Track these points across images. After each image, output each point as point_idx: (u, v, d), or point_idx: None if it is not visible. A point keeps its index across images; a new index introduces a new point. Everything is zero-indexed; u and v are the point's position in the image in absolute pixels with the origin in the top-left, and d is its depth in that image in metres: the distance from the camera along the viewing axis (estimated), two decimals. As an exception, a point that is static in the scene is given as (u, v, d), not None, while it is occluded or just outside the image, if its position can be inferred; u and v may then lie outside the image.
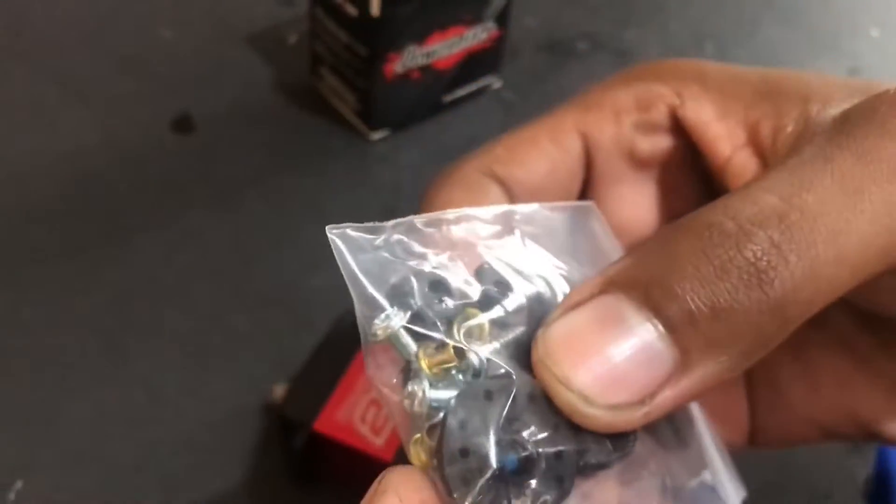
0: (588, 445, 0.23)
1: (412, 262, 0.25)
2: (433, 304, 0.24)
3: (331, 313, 0.55)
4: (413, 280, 0.24)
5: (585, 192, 0.36)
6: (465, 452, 0.22)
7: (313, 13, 0.66)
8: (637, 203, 0.36)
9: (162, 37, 0.74)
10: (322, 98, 0.70)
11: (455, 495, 0.22)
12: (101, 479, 0.50)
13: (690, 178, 0.35)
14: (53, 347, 0.54)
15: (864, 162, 0.24)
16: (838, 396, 0.34)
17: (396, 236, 0.25)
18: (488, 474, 0.22)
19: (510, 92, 0.72)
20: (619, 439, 0.23)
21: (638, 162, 0.36)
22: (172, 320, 0.56)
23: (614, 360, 0.22)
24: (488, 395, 0.23)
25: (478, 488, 0.22)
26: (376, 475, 0.47)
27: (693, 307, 0.22)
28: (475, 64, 0.69)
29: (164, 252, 0.60)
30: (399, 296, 0.24)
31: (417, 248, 0.25)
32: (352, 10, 0.62)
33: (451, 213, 0.26)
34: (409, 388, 0.23)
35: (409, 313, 0.24)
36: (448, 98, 0.70)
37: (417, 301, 0.24)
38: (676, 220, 0.25)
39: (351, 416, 0.47)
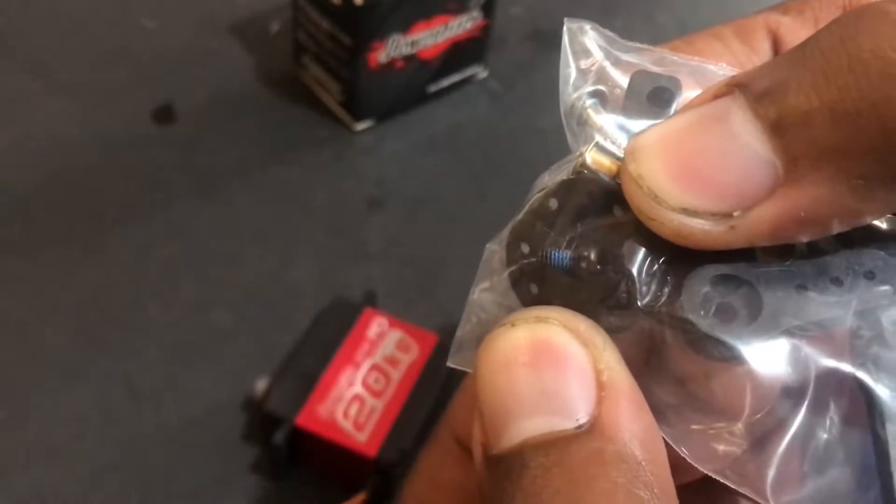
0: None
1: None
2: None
3: (313, 306, 0.55)
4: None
5: None
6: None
7: (296, 2, 0.65)
8: None
9: (144, 27, 0.73)
10: (306, 88, 0.69)
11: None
12: (79, 475, 0.49)
13: None
14: (31, 342, 0.54)
15: None
16: None
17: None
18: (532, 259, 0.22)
19: (496, 81, 0.71)
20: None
21: None
22: (153, 314, 0.56)
23: (705, 159, 0.19)
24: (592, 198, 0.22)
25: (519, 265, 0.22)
26: (358, 471, 0.47)
27: (809, 105, 0.18)
28: (460, 53, 0.68)
29: (145, 245, 0.59)
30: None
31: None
32: (335, -1, 0.61)
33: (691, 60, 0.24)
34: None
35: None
36: (433, 88, 0.69)
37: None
38: None
39: (333, 412, 0.46)
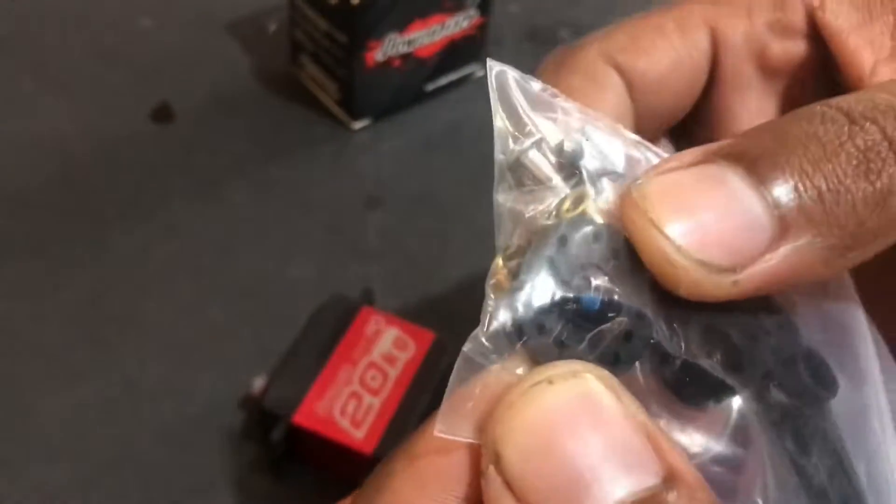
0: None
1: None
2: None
3: (311, 305, 0.55)
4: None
5: (707, 93, 0.32)
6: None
7: (293, 1, 0.65)
8: (762, 113, 0.33)
9: (142, 25, 0.73)
10: (303, 87, 0.69)
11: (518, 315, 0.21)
12: (79, 474, 0.49)
13: (822, 94, 0.29)
14: (30, 341, 0.54)
15: None
16: None
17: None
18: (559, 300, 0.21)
19: (493, 80, 0.71)
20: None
21: (768, 67, 0.33)
22: (151, 313, 0.56)
23: (713, 217, 0.21)
24: (596, 237, 0.22)
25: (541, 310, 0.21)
26: (356, 468, 0.47)
27: (798, 183, 0.21)
28: (457, 52, 0.68)
29: (143, 243, 0.59)
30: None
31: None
32: (332, -2, 0.61)
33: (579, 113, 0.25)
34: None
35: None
36: (430, 86, 0.69)
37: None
38: None
39: (331, 409, 0.47)
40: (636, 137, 0.25)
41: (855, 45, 0.30)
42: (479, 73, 0.71)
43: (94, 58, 0.70)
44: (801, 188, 0.21)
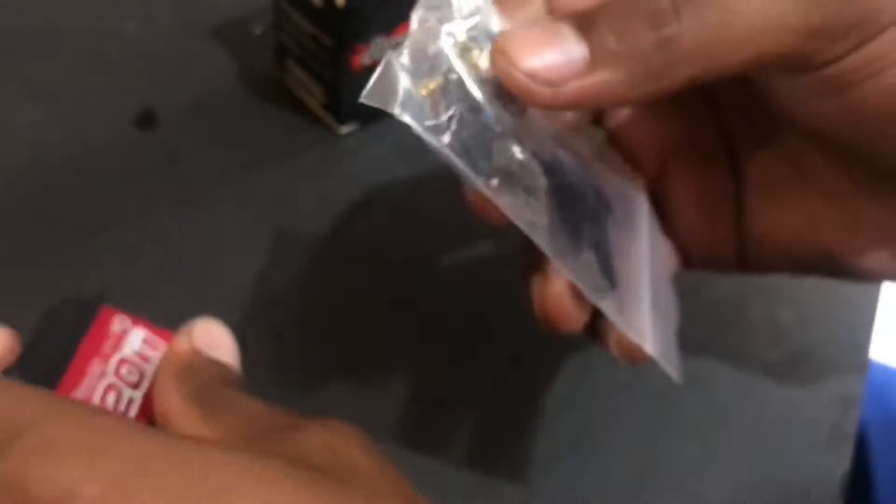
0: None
1: None
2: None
3: (298, 313, 0.54)
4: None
5: None
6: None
7: (277, 3, 0.65)
8: None
9: (124, 30, 0.72)
10: (289, 91, 0.68)
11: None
12: None
13: None
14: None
15: None
16: (807, 230, 0.41)
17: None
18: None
19: (481, 83, 0.71)
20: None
21: None
22: (135, 322, 0.55)
23: (549, 54, 0.32)
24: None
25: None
26: None
27: (605, 28, 0.32)
28: (445, 55, 0.68)
29: (128, 253, 0.58)
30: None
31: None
32: (317, 0, 0.60)
33: None
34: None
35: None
36: (418, 90, 0.68)
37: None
38: None
39: (88, 401, 0.42)
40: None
41: None
42: (467, 76, 0.71)
43: (75, 63, 0.69)
44: (609, 36, 0.32)
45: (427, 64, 0.33)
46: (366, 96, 0.33)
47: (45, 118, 0.65)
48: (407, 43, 0.34)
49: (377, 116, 0.67)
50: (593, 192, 0.38)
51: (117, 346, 0.47)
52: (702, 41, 0.31)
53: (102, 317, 0.48)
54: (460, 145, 0.33)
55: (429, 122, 0.33)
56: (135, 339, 0.48)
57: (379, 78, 0.33)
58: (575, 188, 0.37)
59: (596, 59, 0.32)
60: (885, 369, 0.70)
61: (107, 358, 0.46)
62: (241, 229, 0.60)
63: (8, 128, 0.64)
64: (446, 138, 0.33)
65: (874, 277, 0.42)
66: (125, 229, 0.59)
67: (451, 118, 0.33)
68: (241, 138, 0.66)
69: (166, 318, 0.56)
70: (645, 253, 0.39)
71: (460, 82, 0.33)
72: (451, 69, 0.33)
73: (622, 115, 0.42)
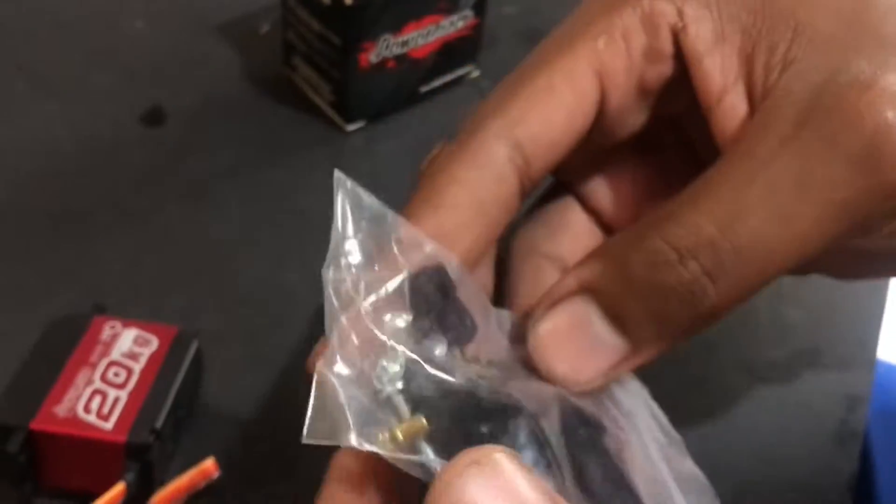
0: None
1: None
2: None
3: (307, 309, 0.54)
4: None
5: (596, 123, 0.34)
6: None
7: (285, 1, 0.65)
8: (642, 143, 0.37)
9: (132, 27, 0.72)
10: (296, 89, 0.68)
11: None
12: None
13: (695, 112, 0.33)
14: (18, 353, 0.53)
15: (801, 187, 0.28)
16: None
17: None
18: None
19: (489, 81, 0.71)
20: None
21: (645, 91, 0.34)
22: (144, 319, 0.55)
23: (582, 356, 0.31)
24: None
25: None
26: (111, 464, 0.45)
27: (644, 317, 0.30)
28: (452, 53, 0.68)
29: (135, 249, 0.58)
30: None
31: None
32: (325, -1, 0.60)
33: (428, 246, 0.33)
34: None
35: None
36: (425, 88, 0.68)
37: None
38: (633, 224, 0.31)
39: (74, 409, 0.44)
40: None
41: (707, 68, 0.31)
42: (475, 74, 0.71)
43: (83, 60, 0.69)
44: (647, 326, 0.30)
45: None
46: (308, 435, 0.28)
47: (53, 116, 0.65)
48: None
49: (384, 114, 0.67)
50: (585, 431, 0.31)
51: (106, 352, 0.48)
52: (738, 292, 0.29)
53: (94, 327, 0.49)
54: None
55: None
56: (125, 340, 0.49)
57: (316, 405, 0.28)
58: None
59: (637, 350, 0.30)
60: (892, 368, 0.70)
61: (94, 366, 0.47)
62: (248, 226, 0.60)
63: (16, 126, 0.64)
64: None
65: (877, 276, 0.42)
66: (132, 226, 0.59)
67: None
68: (249, 136, 0.66)
69: (175, 314, 0.56)
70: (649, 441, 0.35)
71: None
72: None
73: (590, 179, 0.39)
